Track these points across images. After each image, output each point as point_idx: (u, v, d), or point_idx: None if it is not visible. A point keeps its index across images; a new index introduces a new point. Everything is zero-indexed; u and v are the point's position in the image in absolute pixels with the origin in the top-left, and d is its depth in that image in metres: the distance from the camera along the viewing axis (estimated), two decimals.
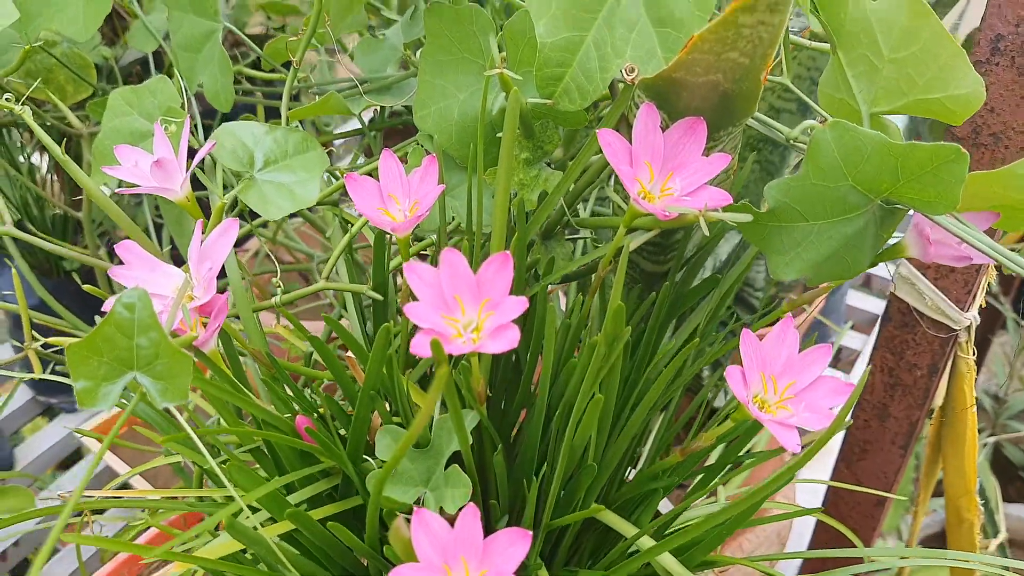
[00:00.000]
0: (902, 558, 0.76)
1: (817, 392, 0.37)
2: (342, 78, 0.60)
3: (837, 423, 0.34)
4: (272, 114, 0.71)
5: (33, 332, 0.62)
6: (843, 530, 0.63)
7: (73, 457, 1.10)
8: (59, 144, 0.88)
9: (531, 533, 0.33)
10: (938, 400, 0.70)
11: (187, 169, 0.45)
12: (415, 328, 0.48)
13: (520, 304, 0.34)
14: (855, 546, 0.67)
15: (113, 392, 0.33)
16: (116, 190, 0.45)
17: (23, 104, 0.50)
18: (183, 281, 0.40)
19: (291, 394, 0.46)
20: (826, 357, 0.37)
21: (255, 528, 0.38)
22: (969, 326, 0.59)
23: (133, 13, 0.70)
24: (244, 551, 0.43)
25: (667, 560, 0.41)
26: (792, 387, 0.37)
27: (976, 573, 0.83)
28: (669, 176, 0.39)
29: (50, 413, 1.13)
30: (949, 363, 0.62)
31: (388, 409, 0.48)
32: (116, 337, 0.32)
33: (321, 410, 0.48)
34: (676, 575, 0.41)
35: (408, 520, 0.33)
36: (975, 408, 0.66)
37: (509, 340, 0.34)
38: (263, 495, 0.39)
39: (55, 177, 0.96)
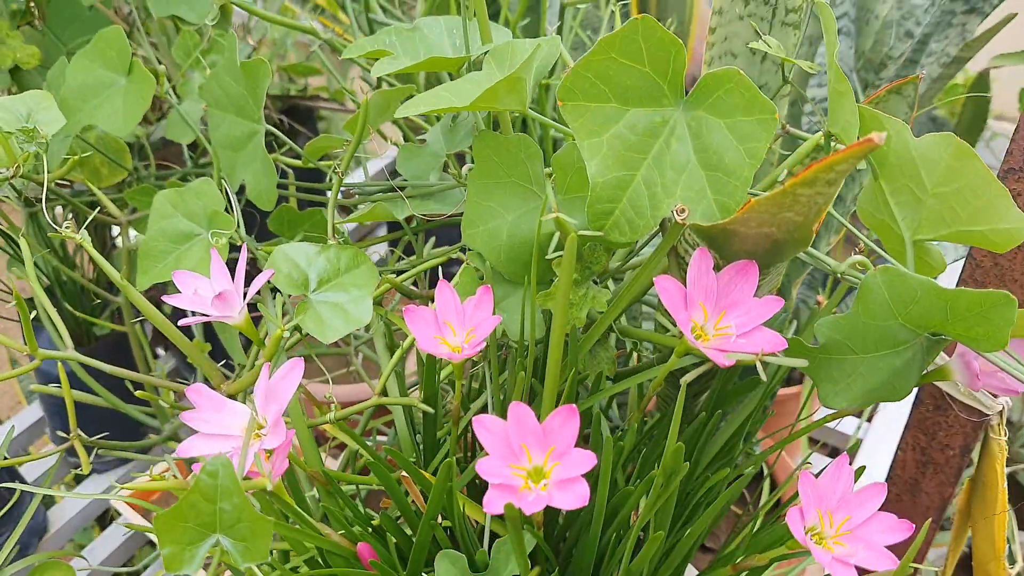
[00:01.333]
0: None
1: (872, 528, 0.38)
2: (382, 181, 0.61)
3: (902, 569, 0.35)
4: (305, 203, 0.73)
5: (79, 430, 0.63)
6: None
7: (105, 516, 1.11)
8: (89, 225, 0.90)
9: None
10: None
11: (244, 298, 0.46)
12: (468, 426, 0.49)
13: (589, 459, 0.35)
14: None
15: (199, 555, 0.34)
16: (180, 322, 0.46)
17: (70, 220, 0.51)
18: (250, 420, 0.41)
19: (347, 510, 0.47)
20: (881, 495, 0.38)
21: None
22: (1001, 410, 0.60)
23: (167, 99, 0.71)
24: None
25: None
26: (848, 523, 0.38)
27: None
28: (722, 315, 0.40)
29: (79, 475, 1.14)
30: (980, 443, 0.63)
31: (442, 518, 0.49)
32: (200, 503, 0.34)
33: (375, 522, 0.49)
34: None
35: None
36: (1005, 484, 0.68)
37: (579, 495, 0.35)
38: None
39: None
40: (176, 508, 0.33)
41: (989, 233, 0.41)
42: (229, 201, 0.59)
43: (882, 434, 1.02)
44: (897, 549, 0.41)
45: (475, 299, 0.44)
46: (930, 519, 0.68)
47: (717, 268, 0.40)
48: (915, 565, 0.71)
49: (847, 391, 0.41)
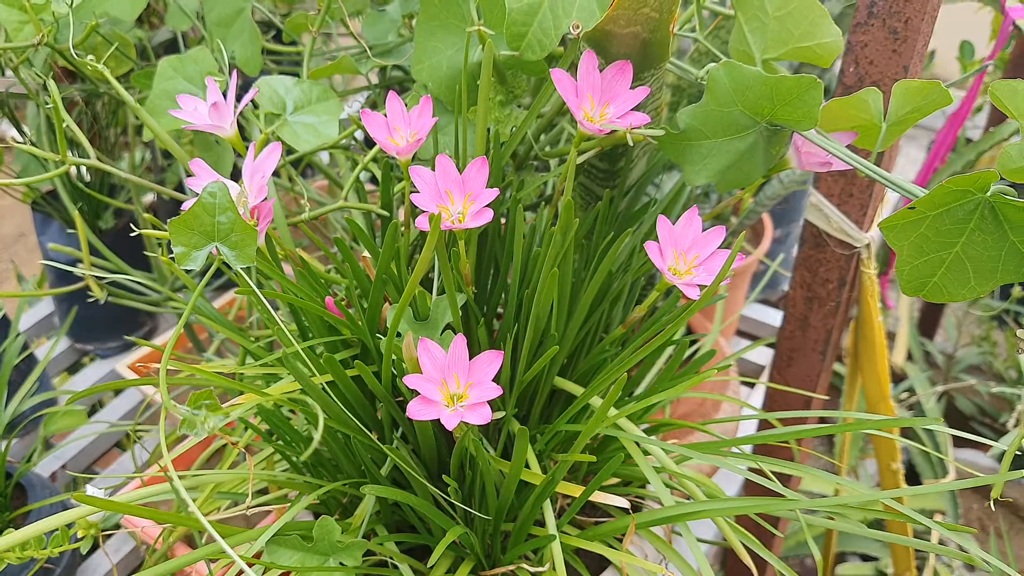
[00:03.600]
0: (844, 420, 0.89)
1: (715, 262, 0.50)
2: (351, 45, 0.72)
3: (721, 275, 0.47)
4: None
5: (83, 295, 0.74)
6: (775, 423, 0.76)
7: (100, 404, 1.22)
8: (93, 119, 1.01)
9: (503, 352, 0.46)
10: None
11: (235, 112, 0.57)
12: (421, 235, 0.61)
13: (492, 193, 0.47)
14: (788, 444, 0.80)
15: (200, 256, 0.45)
16: (184, 127, 0.57)
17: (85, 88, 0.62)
18: (240, 190, 0.52)
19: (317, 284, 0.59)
20: (721, 235, 0.50)
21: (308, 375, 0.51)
22: (868, 244, 0.72)
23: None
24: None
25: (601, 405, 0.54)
26: (697, 259, 0.50)
27: (899, 474, 0.96)
28: (606, 105, 0.51)
29: (74, 369, 1.25)
30: (855, 276, 0.75)
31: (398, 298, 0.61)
32: (203, 215, 0.45)
33: (342, 302, 0.61)
34: (626, 430, 0.54)
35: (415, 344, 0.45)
36: (880, 319, 0.80)
37: (485, 218, 0.46)
38: (303, 353, 0.52)
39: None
40: (184, 217, 0.45)
41: (815, 47, 0.53)
42: (221, 67, 0.71)
43: None
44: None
45: (418, 108, 0.56)
46: (818, 351, 0.80)
47: (602, 71, 0.52)
48: (814, 395, 0.82)
49: (704, 170, 0.53)
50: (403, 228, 0.62)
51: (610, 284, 0.59)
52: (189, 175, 0.53)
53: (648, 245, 0.49)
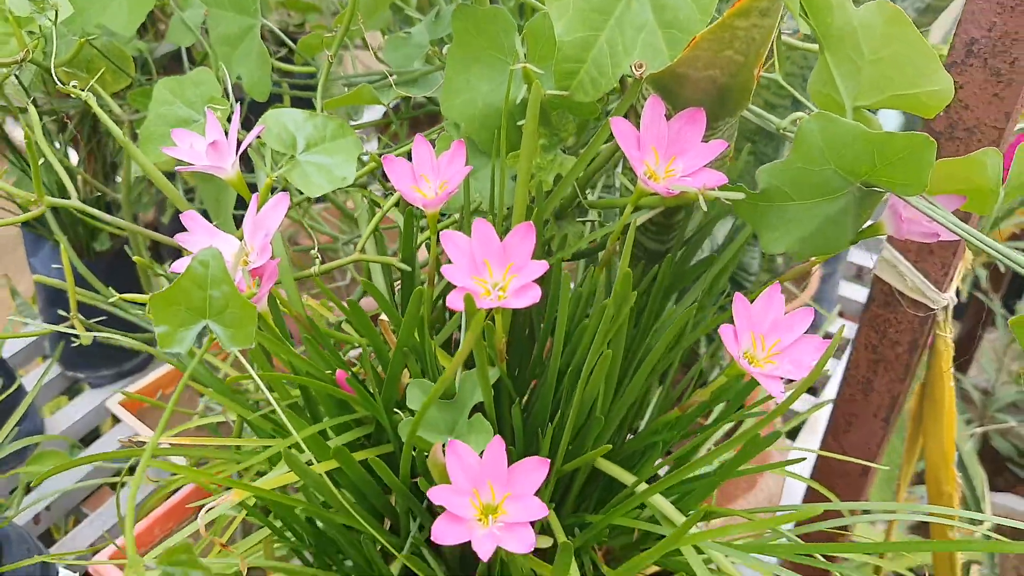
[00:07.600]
0: (887, 512, 0.81)
1: (800, 349, 0.42)
2: (371, 71, 0.65)
3: (815, 372, 0.39)
4: (300, 104, 0.76)
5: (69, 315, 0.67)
6: (830, 495, 0.68)
7: (94, 434, 1.14)
8: (91, 130, 0.94)
9: (549, 461, 0.38)
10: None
11: (237, 151, 0.50)
12: (445, 291, 0.53)
13: (541, 267, 0.39)
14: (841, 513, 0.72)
15: (188, 337, 0.38)
16: (176, 168, 0.50)
17: (77, 100, 0.55)
18: (239, 247, 0.45)
19: (328, 353, 0.51)
20: (808, 319, 0.42)
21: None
22: (947, 306, 0.64)
23: (167, 9, 0.75)
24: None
25: (664, 505, 0.46)
26: (778, 344, 0.42)
27: (957, 553, 0.88)
28: (672, 160, 0.44)
29: (71, 392, 1.18)
30: (929, 340, 0.67)
31: (417, 367, 0.53)
32: (192, 289, 0.37)
33: (355, 369, 0.53)
34: (674, 520, 0.46)
35: (443, 449, 0.38)
36: (952, 383, 0.72)
37: (531, 297, 0.39)
38: (308, 436, 0.44)
39: (85, 166, 1.01)
40: (169, 292, 0.37)
41: (921, 95, 0.45)
42: (225, 90, 0.63)
43: None
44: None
45: (449, 153, 0.48)
46: (881, 417, 0.72)
47: (668, 118, 0.44)
48: (873, 464, 0.74)
49: (785, 236, 0.45)
50: (426, 284, 0.54)
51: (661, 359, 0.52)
52: (183, 230, 0.45)
53: (723, 329, 0.41)
